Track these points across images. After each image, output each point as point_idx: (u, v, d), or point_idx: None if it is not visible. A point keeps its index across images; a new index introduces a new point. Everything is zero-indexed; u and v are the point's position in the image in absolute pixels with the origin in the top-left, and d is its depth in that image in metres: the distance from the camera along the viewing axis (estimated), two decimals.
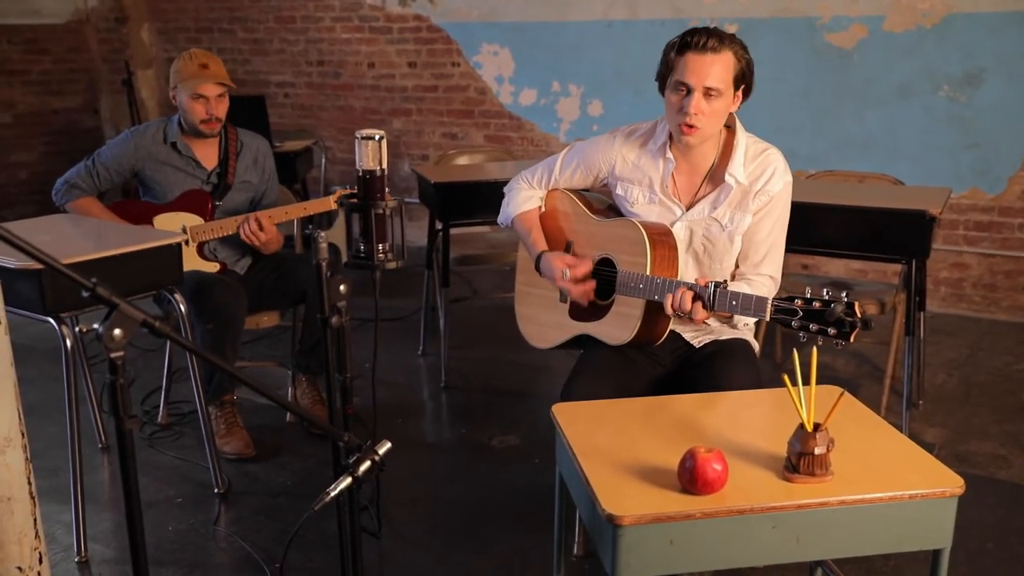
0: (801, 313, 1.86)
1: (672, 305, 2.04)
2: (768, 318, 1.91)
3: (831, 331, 1.84)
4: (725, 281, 2.02)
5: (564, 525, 2.06)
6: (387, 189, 1.98)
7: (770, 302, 1.91)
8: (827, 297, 1.84)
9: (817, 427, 1.61)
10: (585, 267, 2.30)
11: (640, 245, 2.18)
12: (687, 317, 2.03)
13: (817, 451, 1.59)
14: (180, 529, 2.65)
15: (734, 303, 1.97)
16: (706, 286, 2.00)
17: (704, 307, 2.00)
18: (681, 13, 4.79)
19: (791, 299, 1.88)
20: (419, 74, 5.76)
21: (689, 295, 2.01)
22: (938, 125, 4.35)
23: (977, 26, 4.18)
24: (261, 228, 3.02)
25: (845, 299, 1.82)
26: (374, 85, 5.93)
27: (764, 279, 2.24)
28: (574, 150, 2.44)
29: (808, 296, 1.86)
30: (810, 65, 4.57)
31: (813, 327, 1.85)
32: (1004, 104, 4.19)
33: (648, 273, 2.15)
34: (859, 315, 1.81)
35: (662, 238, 2.21)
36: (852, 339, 1.82)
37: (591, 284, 2.30)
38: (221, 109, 3.10)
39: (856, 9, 4.42)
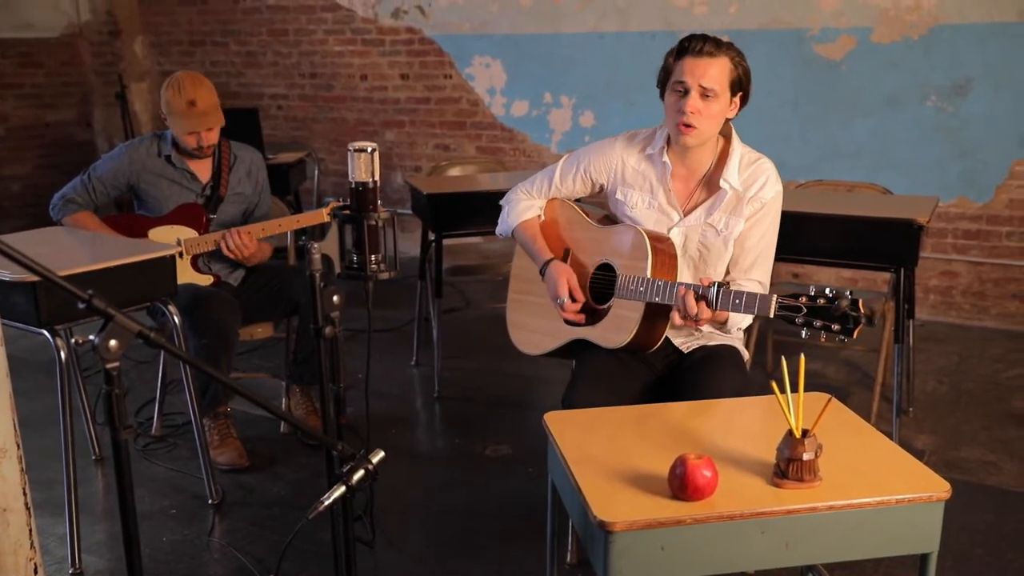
0: (805, 310, 1.90)
1: (677, 306, 2.07)
2: (772, 315, 1.95)
3: (835, 327, 1.87)
4: (727, 282, 2.05)
5: (557, 533, 2.08)
6: (379, 201, 2.00)
7: (775, 299, 1.94)
8: (831, 294, 1.87)
9: (805, 433, 1.63)
10: (577, 305, 2.35)
11: (642, 249, 2.22)
12: (692, 319, 2.05)
13: (805, 457, 1.61)
14: (174, 540, 2.65)
15: (737, 302, 2.01)
16: (709, 286, 2.03)
17: (708, 307, 2.03)
18: (671, 25, 4.84)
19: (795, 296, 1.92)
20: (411, 86, 5.78)
21: (691, 296, 2.04)
22: (926, 135, 4.39)
23: (964, 37, 4.23)
24: (244, 243, 3.03)
25: (849, 295, 1.85)
26: (367, 97, 5.96)
27: (754, 284, 2.27)
28: (573, 157, 2.47)
29: (812, 293, 1.89)
30: (799, 76, 4.61)
31: (817, 323, 1.88)
32: (991, 113, 4.24)
33: (649, 276, 2.19)
34: (863, 311, 1.84)
35: (662, 244, 2.26)
36: (855, 335, 1.85)
37: (581, 316, 2.36)
38: (212, 137, 3.11)
39: (844, 21, 4.47)
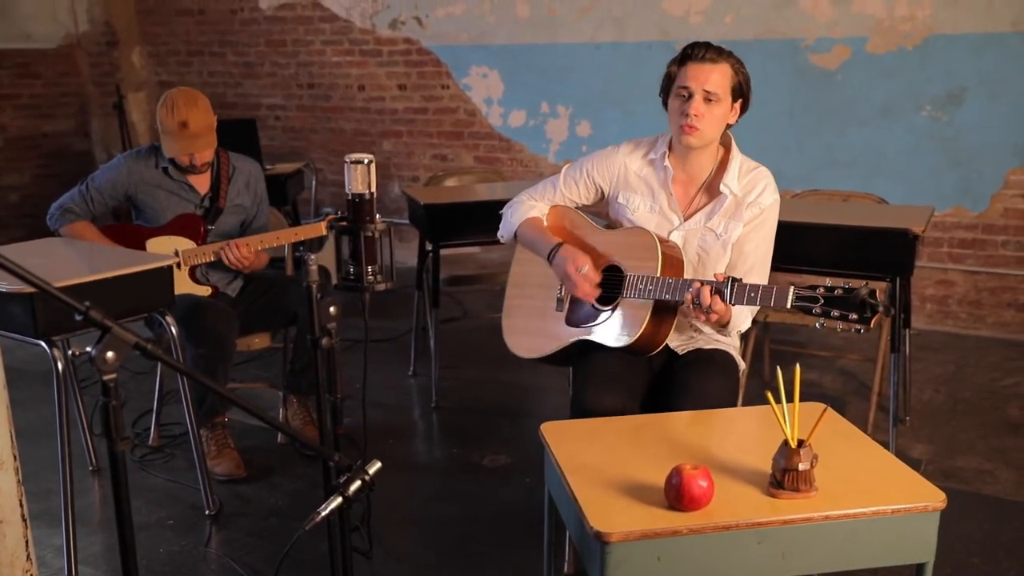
0: (823, 300, 1.93)
1: (691, 300, 2.09)
2: (789, 306, 1.98)
3: (852, 316, 1.90)
4: (740, 277, 2.09)
5: (554, 543, 2.08)
6: (376, 211, 2.01)
7: (791, 289, 1.97)
8: (847, 285, 1.92)
9: (801, 443, 1.63)
10: (596, 274, 2.34)
11: (652, 250, 2.26)
12: (705, 312, 2.07)
13: (801, 467, 1.62)
14: (171, 551, 2.65)
15: (753, 294, 2.04)
16: (724, 281, 2.07)
17: (722, 300, 2.06)
18: (668, 35, 4.86)
19: (813, 287, 1.96)
20: (409, 96, 5.80)
21: (707, 289, 2.07)
22: (921, 144, 4.41)
23: (958, 47, 4.25)
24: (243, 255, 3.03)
25: (866, 285, 1.89)
26: (364, 107, 5.97)
27: None
28: (577, 163, 2.51)
29: (829, 284, 1.93)
30: (795, 86, 4.63)
31: (835, 313, 1.92)
32: (985, 123, 4.25)
33: (659, 276, 2.21)
34: (880, 300, 1.87)
35: (669, 246, 2.30)
36: (872, 324, 1.88)
37: (597, 290, 2.34)
38: (206, 156, 3.10)
39: (839, 31, 4.49)
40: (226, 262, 3.05)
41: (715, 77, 2.21)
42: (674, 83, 2.27)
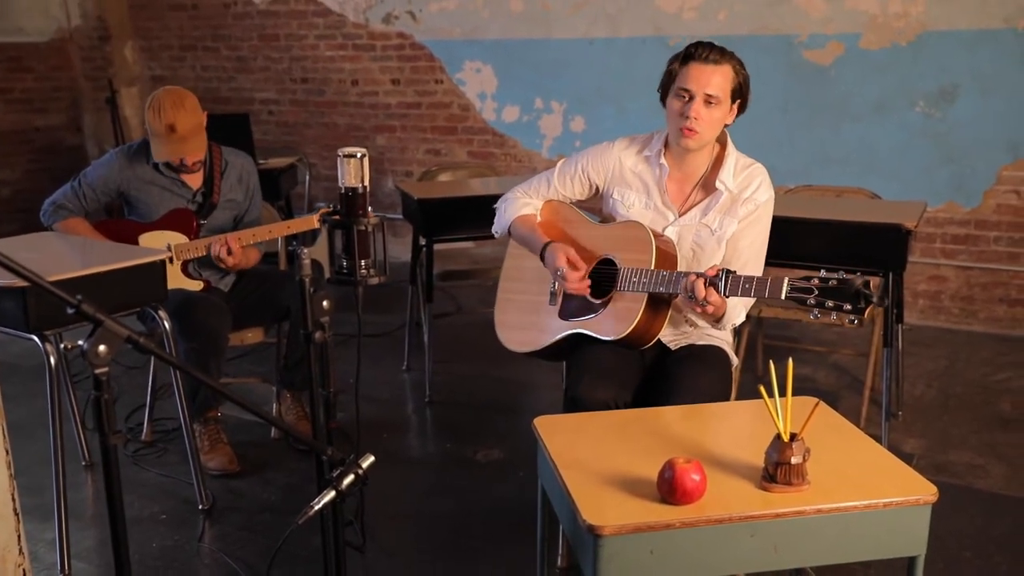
0: (817, 291, 1.94)
1: (686, 291, 2.10)
2: (784, 297, 1.99)
3: (847, 307, 1.91)
4: (734, 269, 2.10)
5: (547, 537, 2.08)
6: (370, 206, 2.00)
7: (786, 280, 1.97)
8: (842, 275, 1.93)
9: (793, 437, 1.64)
10: (583, 272, 2.36)
11: (646, 243, 2.27)
12: (700, 305, 2.08)
13: (793, 461, 1.62)
14: (164, 545, 2.64)
15: (747, 286, 2.05)
16: (717, 274, 2.07)
17: (717, 293, 2.07)
18: (661, 31, 4.85)
19: (807, 278, 1.97)
20: (402, 91, 5.79)
21: (701, 282, 2.08)
22: (914, 140, 4.42)
23: (951, 43, 4.25)
24: (230, 252, 3.02)
25: (859, 275, 1.91)
26: (358, 102, 5.96)
27: None
28: (572, 159, 2.52)
29: (823, 275, 1.94)
30: (788, 82, 4.63)
31: (829, 303, 1.93)
32: (978, 119, 4.27)
33: (652, 268, 2.22)
34: (873, 291, 1.89)
35: (663, 240, 2.32)
36: (866, 315, 1.90)
37: (586, 282, 2.36)
38: (196, 155, 3.09)
39: (833, 27, 4.49)
40: (213, 256, 3.04)
41: (717, 79, 2.20)
42: (675, 82, 2.26)
